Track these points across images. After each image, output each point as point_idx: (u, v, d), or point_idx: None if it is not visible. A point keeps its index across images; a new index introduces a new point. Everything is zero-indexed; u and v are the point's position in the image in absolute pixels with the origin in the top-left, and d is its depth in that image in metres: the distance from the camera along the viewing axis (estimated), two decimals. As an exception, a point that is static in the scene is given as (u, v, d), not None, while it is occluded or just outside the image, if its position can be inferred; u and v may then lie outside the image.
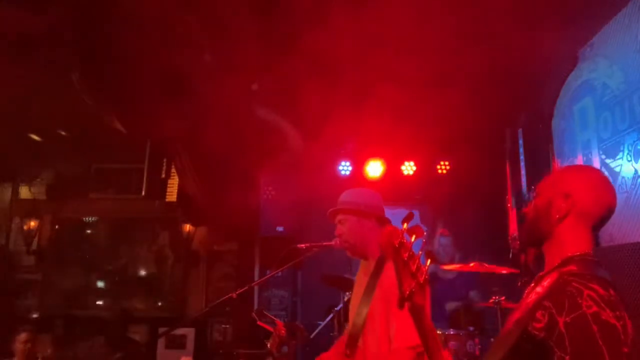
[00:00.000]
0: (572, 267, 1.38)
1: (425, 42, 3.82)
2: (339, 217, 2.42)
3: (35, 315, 6.53)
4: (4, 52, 3.94)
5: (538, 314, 1.33)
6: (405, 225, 1.34)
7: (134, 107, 4.43)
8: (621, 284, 3.28)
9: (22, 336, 4.38)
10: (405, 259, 1.33)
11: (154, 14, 3.47)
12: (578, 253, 1.43)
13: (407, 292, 1.30)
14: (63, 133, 6.13)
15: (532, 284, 1.50)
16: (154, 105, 4.31)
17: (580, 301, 1.25)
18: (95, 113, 4.49)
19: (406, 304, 1.33)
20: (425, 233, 1.35)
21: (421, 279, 1.32)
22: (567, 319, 1.25)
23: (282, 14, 3.81)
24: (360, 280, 2.41)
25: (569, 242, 1.45)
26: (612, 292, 1.28)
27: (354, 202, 2.41)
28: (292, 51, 3.86)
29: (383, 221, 2.40)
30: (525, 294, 1.49)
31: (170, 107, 4.34)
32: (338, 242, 2.42)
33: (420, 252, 1.36)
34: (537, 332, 1.31)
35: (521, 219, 1.67)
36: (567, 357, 1.22)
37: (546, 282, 1.41)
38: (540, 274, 1.50)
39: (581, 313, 1.23)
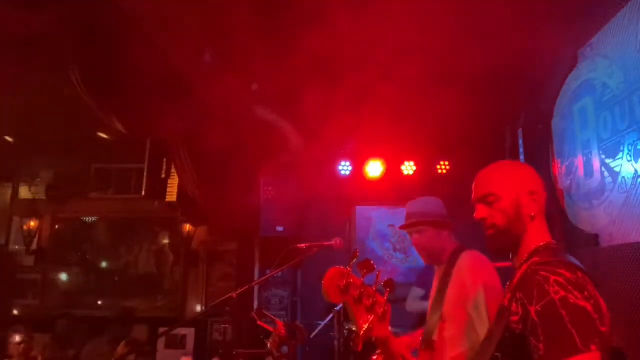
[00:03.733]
0: (536, 258, 1.41)
1: (425, 42, 3.82)
2: (419, 227, 2.53)
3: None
4: (4, 52, 3.94)
5: (513, 307, 1.35)
6: (353, 262, 1.35)
7: (134, 107, 4.43)
8: (621, 284, 3.28)
9: (16, 338, 4.20)
10: (357, 296, 1.33)
11: (154, 14, 3.47)
12: (542, 243, 1.47)
13: (363, 330, 1.32)
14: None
15: (508, 282, 1.53)
16: (154, 105, 4.30)
17: (547, 288, 1.27)
18: (95, 113, 4.49)
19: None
20: (376, 267, 1.36)
21: (380, 311, 1.33)
22: (537, 307, 1.26)
23: (282, 13, 3.81)
24: (435, 284, 2.54)
25: (533, 236, 1.49)
26: (579, 274, 1.30)
27: (431, 214, 2.53)
28: (292, 51, 3.86)
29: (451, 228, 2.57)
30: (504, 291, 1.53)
31: (171, 107, 4.34)
32: (417, 249, 2.55)
33: (375, 285, 1.37)
34: (515, 326, 1.33)
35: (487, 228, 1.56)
36: (541, 345, 1.24)
37: (518, 275, 1.45)
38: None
39: (550, 299, 1.25)
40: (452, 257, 2.44)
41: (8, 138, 6.23)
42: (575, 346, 1.19)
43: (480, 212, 1.54)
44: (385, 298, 1.36)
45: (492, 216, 1.52)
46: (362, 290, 1.33)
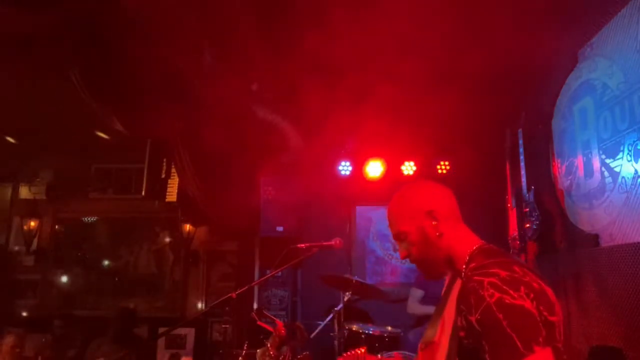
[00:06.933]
0: (472, 264, 1.39)
1: (425, 43, 3.82)
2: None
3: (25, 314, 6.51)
4: (4, 52, 3.94)
5: (459, 322, 1.28)
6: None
7: (134, 107, 4.43)
8: (621, 284, 3.28)
9: (9, 340, 4.03)
10: None
11: (154, 14, 3.47)
12: (474, 248, 1.45)
13: None
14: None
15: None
16: (154, 105, 4.31)
17: (482, 292, 1.21)
18: (95, 113, 4.49)
19: None
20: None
21: None
22: (477, 315, 1.21)
23: (282, 13, 3.81)
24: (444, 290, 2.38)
25: (457, 247, 1.48)
26: (516, 268, 1.26)
27: None
28: (293, 51, 3.86)
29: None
30: None
31: (171, 107, 4.34)
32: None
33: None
34: (466, 342, 1.27)
35: (414, 263, 1.59)
36: (486, 356, 1.18)
37: (456, 288, 1.42)
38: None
39: (486, 305, 1.19)
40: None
41: (102, 134, 6.20)
42: (517, 350, 1.14)
43: (401, 251, 1.58)
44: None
45: (409, 252, 1.55)
46: None
